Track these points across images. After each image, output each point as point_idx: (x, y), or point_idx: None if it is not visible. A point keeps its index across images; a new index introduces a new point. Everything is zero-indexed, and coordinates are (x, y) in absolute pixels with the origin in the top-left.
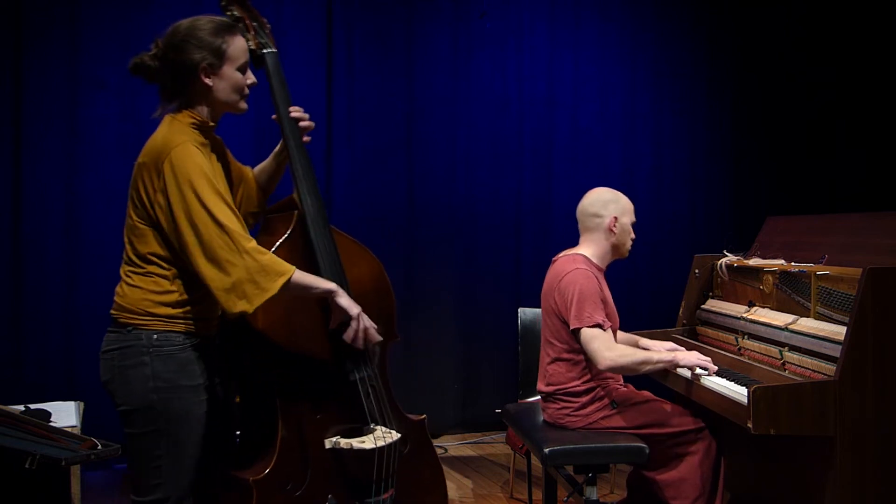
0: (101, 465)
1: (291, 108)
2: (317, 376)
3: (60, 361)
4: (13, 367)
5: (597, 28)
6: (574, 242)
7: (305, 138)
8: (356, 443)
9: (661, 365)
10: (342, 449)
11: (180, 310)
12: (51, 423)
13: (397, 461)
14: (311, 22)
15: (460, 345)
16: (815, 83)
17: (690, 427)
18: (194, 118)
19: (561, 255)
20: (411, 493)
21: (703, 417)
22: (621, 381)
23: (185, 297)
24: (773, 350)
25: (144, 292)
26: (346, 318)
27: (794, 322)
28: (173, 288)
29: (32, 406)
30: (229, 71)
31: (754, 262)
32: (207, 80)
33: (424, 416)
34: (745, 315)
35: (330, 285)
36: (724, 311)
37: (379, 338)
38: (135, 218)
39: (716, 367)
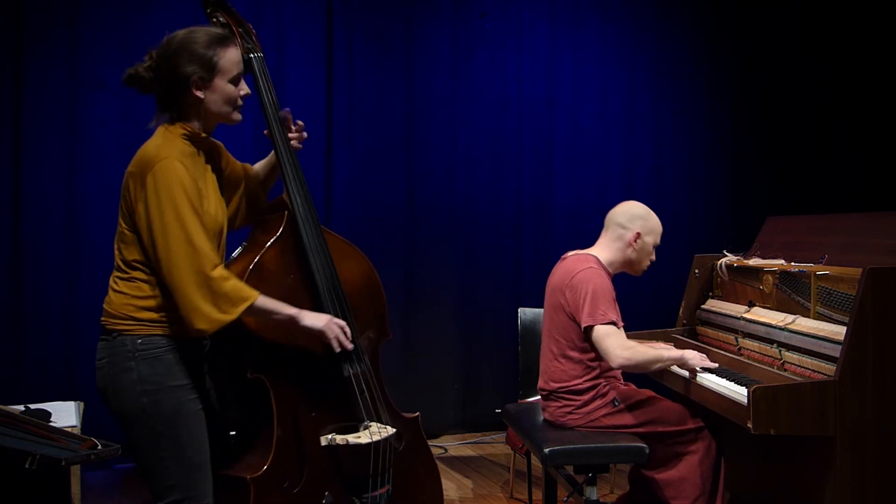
0: (101, 465)
1: (282, 112)
2: (311, 374)
3: (60, 361)
4: (13, 367)
5: (597, 28)
6: (574, 242)
7: (296, 145)
8: (352, 438)
9: (671, 363)
10: (338, 445)
11: (162, 314)
12: (51, 423)
13: (393, 457)
14: (311, 22)
15: (460, 345)
16: (815, 83)
17: (691, 426)
18: (186, 130)
19: (571, 253)
20: (407, 491)
21: (703, 417)
22: (622, 380)
23: (167, 301)
24: (773, 350)
25: (128, 297)
26: (318, 334)
27: (793, 322)
28: (155, 293)
29: (32, 406)
30: (221, 83)
31: (754, 262)
32: (199, 93)
33: (418, 413)
34: (744, 315)
35: (291, 311)
36: (723, 311)
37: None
38: (123, 225)
39: (715, 364)
